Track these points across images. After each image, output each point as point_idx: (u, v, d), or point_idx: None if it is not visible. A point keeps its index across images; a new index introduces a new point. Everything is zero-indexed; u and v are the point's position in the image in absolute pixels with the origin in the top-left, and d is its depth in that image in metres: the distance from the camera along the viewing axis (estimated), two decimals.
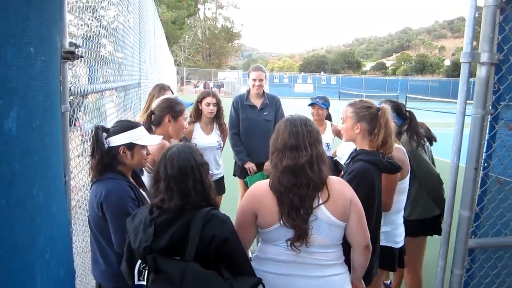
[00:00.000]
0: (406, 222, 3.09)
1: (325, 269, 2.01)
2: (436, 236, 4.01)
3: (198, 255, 1.74)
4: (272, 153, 2.07)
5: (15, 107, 1.00)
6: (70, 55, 1.88)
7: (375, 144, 2.50)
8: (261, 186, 2.09)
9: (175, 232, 1.76)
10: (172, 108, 3.06)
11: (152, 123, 3.05)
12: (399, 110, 3.00)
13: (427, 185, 3.35)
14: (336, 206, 1.98)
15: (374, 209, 2.41)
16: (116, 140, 2.26)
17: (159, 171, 1.84)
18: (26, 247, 1.11)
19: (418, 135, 3.14)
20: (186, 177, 1.81)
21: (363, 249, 2.10)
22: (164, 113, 3.04)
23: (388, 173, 2.58)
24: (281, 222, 1.95)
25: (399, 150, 2.91)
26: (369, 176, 2.40)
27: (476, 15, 2.14)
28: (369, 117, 2.53)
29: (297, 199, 1.94)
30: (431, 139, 3.62)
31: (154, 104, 3.18)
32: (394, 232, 2.95)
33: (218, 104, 4.41)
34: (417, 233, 3.34)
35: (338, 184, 2.05)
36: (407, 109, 3.08)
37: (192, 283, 1.65)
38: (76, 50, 1.94)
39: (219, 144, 4.48)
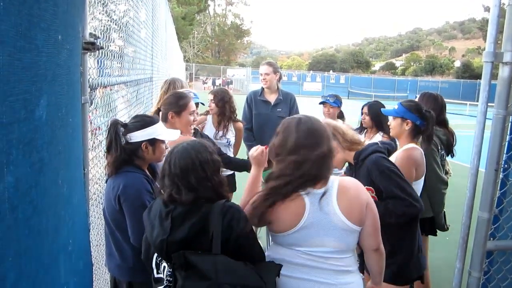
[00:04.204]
0: None
1: (339, 275, 1.95)
2: (448, 238, 3.99)
3: (221, 246, 1.75)
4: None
5: (44, 94, 0.98)
6: (91, 46, 1.87)
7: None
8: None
9: (193, 225, 1.76)
10: (175, 104, 2.96)
11: (161, 119, 3.01)
12: (418, 111, 2.95)
13: (430, 187, 3.34)
14: (352, 211, 1.92)
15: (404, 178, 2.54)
16: (139, 136, 2.24)
17: (165, 167, 1.87)
18: (51, 238, 1.10)
19: (430, 139, 3.09)
20: (188, 175, 1.82)
21: (373, 251, 2.07)
22: (168, 109, 2.96)
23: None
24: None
25: (416, 150, 2.88)
26: (381, 161, 2.51)
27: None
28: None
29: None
30: (449, 148, 3.58)
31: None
32: None
33: (220, 101, 4.31)
34: None
35: (353, 189, 1.99)
36: (427, 110, 3.01)
37: (226, 275, 1.66)
38: (96, 41, 1.93)
39: (227, 141, 4.42)
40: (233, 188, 4.57)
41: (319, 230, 1.89)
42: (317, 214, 1.89)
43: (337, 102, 4.66)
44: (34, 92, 0.92)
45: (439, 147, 3.41)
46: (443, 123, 3.58)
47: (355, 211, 1.93)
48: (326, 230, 1.89)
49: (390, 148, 2.78)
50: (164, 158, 2.49)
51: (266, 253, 2.07)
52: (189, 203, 1.79)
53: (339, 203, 1.90)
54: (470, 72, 62.98)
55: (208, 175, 1.85)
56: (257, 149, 2.22)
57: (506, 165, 2.28)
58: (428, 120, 2.94)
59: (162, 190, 1.89)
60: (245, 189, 2.21)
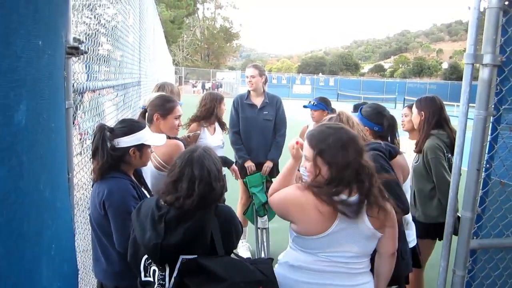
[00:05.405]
0: (415, 223, 3.18)
1: (355, 277, 2.02)
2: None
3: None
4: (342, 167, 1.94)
5: (24, 100, 0.99)
6: (75, 51, 1.86)
7: None
8: (303, 198, 1.97)
9: (188, 229, 1.75)
10: (161, 106, 2.95)
11: (146, 120, 3.01)
12: (371, 117, 2.94)
13: (443, 194, 3.37)
14: (378, 219, 1.98)
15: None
16: (127, 141, 2.21)
17: (183, 172, 1.81)
18: (33, 242, 1.10)
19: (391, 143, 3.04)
20: (215, 180, 1.83)
21: (389, 256, 2.12)
22: (154, 110, 2.95)
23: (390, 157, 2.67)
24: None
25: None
26: (377, 158, 2.47)
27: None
28: None
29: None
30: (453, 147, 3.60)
31: (148, 100, 3.17)
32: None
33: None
34: (423, 236, 3.33)
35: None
36: (386, 115, 2.97)
37: (236, 275, 1.69)
38: (80, 46, 1.93)
39: (223, 143, 4.52)
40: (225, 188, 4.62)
41: (347, 236, 1.95)
42: (346, 221, 1.93)
43: (320, 105, 4.52)
44: (12, 98, 0.92)
45: (445, 151, 3.43)
46: (446, 123, 3.57)
47: (380, 219, 1.98)
48: (353, 237, 1.96)
49: (393, 152, 2.71)
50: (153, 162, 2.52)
51: (282, 260, 2.12)
52: (188, 208, 1.78)
53: (367, 211, 1.95)
54: (457, 74, 63.78)
55: (225, 182, 1.94)
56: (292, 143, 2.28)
57: (487, 165, 2.31)
58: (384, 125, 2.92)
59: (164, 195, 1.84)
60: (277, 178, 2.30)
